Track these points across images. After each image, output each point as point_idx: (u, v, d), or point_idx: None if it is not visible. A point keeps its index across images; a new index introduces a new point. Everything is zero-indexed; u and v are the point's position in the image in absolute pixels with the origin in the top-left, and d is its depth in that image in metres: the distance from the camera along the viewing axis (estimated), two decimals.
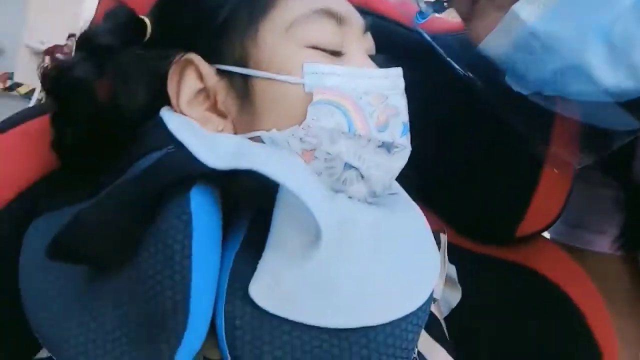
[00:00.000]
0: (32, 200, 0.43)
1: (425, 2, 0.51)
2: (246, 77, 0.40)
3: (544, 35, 0.40)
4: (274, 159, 0.37)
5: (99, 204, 0.34)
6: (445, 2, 0.50)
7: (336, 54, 0.41)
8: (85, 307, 0.34)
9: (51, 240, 0.33)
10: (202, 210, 0.34)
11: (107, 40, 0.40)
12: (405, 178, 0.58)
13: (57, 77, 0.40)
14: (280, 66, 0.39)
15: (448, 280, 0.51)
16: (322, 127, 0.38)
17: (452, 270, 0.52)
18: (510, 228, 0.55)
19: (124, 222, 0.33)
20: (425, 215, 0.51)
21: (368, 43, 0.45)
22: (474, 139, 0.58)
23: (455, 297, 0.52)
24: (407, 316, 0.35)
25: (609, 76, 0.40)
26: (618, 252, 0.61)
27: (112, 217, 0.33)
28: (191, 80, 0.41)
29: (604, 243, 0.63)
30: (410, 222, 0.43)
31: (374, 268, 0.36)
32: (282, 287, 0.33)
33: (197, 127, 0.39)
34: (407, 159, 0.42)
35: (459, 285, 0.52)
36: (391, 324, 0.34)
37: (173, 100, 0.41)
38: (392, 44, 0.63)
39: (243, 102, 0.40)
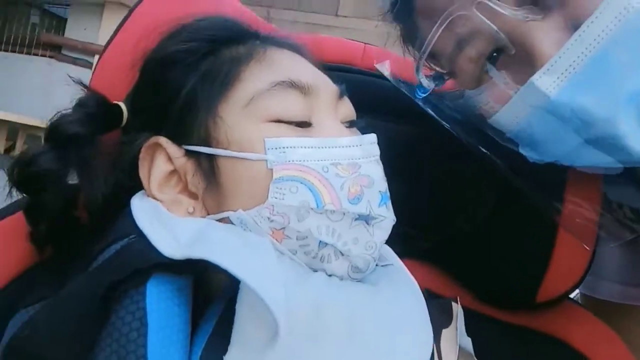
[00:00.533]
0: (13, 296, 0.43)
1: (426, 76, 0.51)
2: (212, 157, 0.40)
3: (569, 108, 0.38)
4: (234, 246, 0.35)
5: (51, 306, 0.33)
6: (446, 75, 0.50)
7: (304, 125, 0.41)
8: None
9: (4, 345, 0.32)
10: (161, 304, 0.33)
11: (75, 129, 0.41)
12: (414, 241, 0.56)
13: (22, 170, 0.40)
14: (242, 144, 0.39)
15: (463, 354, 0.47)
16: (287, 205, 0.37)
17: (468, 343, 0.49)
18: (529, 293, 0.51)
19: (76, 325, 0.32)
20: (440, 279, 0.48)
21: (344, 109, 0.45)
22: (482, 200, 0.55)
23: None
24: None
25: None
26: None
27: (63, 319, 0.32)
28: (161, 163, 0.41)
29: (616, 292, 0.61)
30: (397, 299, 0.40)
31: (347, 354, 0.34)
32: None
33: (165, 212, 0.39)
34: (389, 230, 0.40)
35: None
36: None
37: (144, 185, 0.41)
38: (391, 101, 0.64)
39: (210, 182, 0.40)
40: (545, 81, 0.38)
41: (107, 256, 0.36)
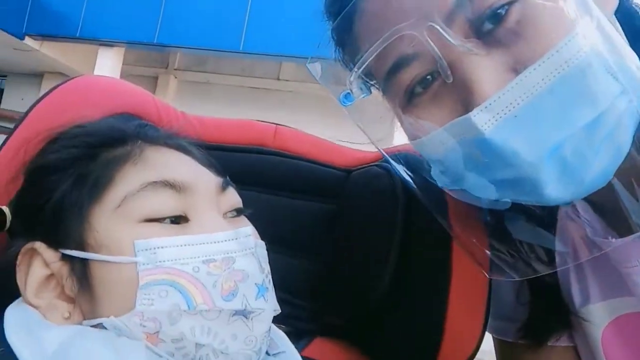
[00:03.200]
0: None
1: (355, 84, 0.50)
2: (85, 261, 0.39)
3: (500, 148, 0.39)
4: (102, 357, 0.34)
5: None
6: (373, 86, 0.49)
7: (179, 220, 0.40)
8: None
9: None
10: None
11: None
12: (326, 320, 0.56)
13: None
14: (112, 247, 0.38)
15: None
16: (157, 310, 0.36)
17: None
18: None
19: None
20: (352, 356, 0.48)
21: (228, 200, 0.45)
22: (382, 267, 0.56)
23: None
24: None
25: (558, 190, 0.40)
26: (522, 340, 0.61)
27: None
28: (37, 268, 0.40)
29: (509, 331, 0.62)
30: None
31: None
32: None
33: (37, 320, 0.38)
34: (269, 321, 0.40)
35: None
36: None
37: (21, 291, 0.39)
38: (308, 180, 0.65)
39: (83, 286, 0.39)
40: (482, 118, 0.38)
41: None
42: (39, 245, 0.40)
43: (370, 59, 0.45)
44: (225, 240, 0.40)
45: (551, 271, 0.48)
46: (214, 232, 0.40)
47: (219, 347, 0.37)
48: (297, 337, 0.60)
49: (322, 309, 0.60)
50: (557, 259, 0.49)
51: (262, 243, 0.46)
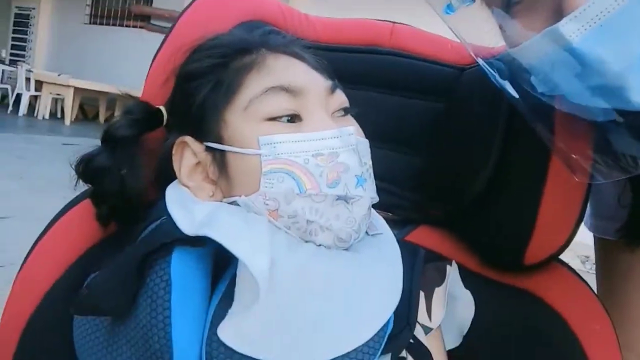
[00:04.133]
0: (87, 263, 0.54)
1: None
2: (223, 152, 0.48)
3: (588, 57, 0.40)
4: (234, 225, 0.44)
5: (105, 271, 0.44)
6: None
7: (295, 119, 0.47)
8: (108, 352, 0.44)
9: (73, 301, 0.43)
10: (184, 270, 0.43)
11: (122, 133, 0.50)
12: (428, 209, 0.62)
13: (84, 166, 0.50)
14: (242, 141, 0.47)
15: (455, 302, 0.54)
16: (276, 192, 0.44)
17: (466, 294, 0.55)
18: (517, 256, 0.56)
19: (122, 284, 0.42)
20: (451, 243, 0.55)
21: (335, 101, 0.51)
22: (482, 166, 0.59)
23: (465, 322, 0.54)
24: (358, 347, 0.41)
25: None
26: (621, 239, 0.64)
27: (112, 280, 0.43)
28: (188, 157, 0.50)
29: (609, 230, 0.65)
30: (371, 264, 0.47)
31: (325, 308, 0.42)
32: (243, 330, 0.41)
33: (189, 197, 0.48)
34: (368, 206, 0.46)
35: (471, 309, 0.55)
36: (346, 355, 0.39)
37: (177, 174, 0.50)
38: (420, 79, 0.68)
39: (222, 172, 0.48)
40: (570, 28, 0.39)
41: (145, 233, 0.46)
42: (188, 139, 0.50)
43: None
44: (331, 138, 0.46)
45: None
46: (322, 130, 0.47)
47: (325, 224, 0.45)
48: (403, 224, 0.67)
49: (425, 201, 0.65)
50: None
51: (365, 140, 0.51)
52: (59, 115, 8.89)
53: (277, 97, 0.47)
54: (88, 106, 9.33)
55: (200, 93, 0.49)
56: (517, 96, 0.52)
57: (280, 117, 0.47)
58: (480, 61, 0.52)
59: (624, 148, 0.49)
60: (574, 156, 0.50)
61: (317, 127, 0.47)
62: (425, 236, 0.64)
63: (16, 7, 11.54)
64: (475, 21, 0.52)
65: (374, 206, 0.68)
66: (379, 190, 0.69)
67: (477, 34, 0.54)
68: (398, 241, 0.57)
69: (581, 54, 0.40)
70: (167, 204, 0.47)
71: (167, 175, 0.51)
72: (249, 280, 0.41)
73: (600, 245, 0.68)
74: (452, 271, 0.55)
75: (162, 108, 0.54)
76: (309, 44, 0.67)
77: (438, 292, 0.53)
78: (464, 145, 0.60)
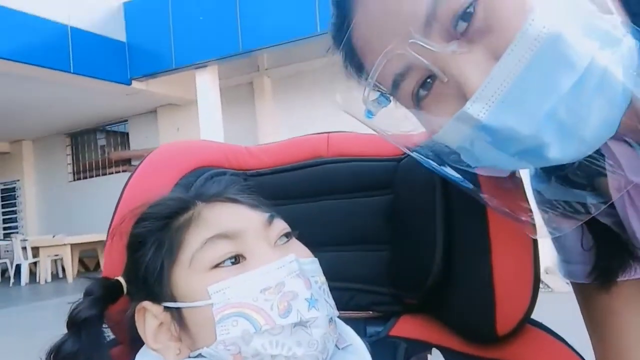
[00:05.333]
0: None
1: (372, 101, 0.56)
2: (179, 309, 0.50)
3: (500, 129, 0.44)
4: None
5: None
6: (389, 95, 0.55)
7: (239, 259, 0.50)
8: None
9: None
10: None
11: (85, 315, 0.52)
12: (403, 299, 0.64)
13: (54, 357, 0.51)
14: (194, 295, 0.49)
15: None
16: (233, 337, 0.46)
17: None
18: (489, 329, 0.57)
19: None
20: (433, 327, 0.56)
21: (275, 230, 0.54)
22: (431, 260, 0.62)
23: None
24: None
25: (563, 152, 0.44)
26: (594, 281, 0.64)
27: None
28: (149, 321, 0.52)
29: (580, 274, 0.66)
30: None
31: None
32: None
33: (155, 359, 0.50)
34: (326, 325, 0.48)
35: None
36: None
37: (144, 339, 0.52)
38: (363, 178, 0.72)
39: (182, 328, 0.50)
40: (476, 108, 0.43)
41: None
42: (146, 303, 0.52)
43: (374, 79, 0.51)
44: (275, 269, 0.49)
45: (592, 215, 0.51)
46: (266, 265, 0.49)
47: (288, 354, 0.47)
48: (385, 319, 0.68)
49: (401, 291, 0.67)
50: (593, 202, 0.51)
51: (312, 259, 0.54)
52: (60, 275, 8.88)
53: (217, 245, 0.50)
54: (87, 258, 9.37)
55: (147, 258, 0.52)
56: (457, 176, 0.55)
57: (223, 262, 0.50)
58: (413, 153, 0.55)
59: (559, 196, 0.53)
60: (521, 217, 0.53)
61: (261, 261, 0.50)
62: (408, 326, 0.65)
63: (1, 183, 11.92)
64: (396, 118, 0.57)
65: (356, 309, 0.69)
66: (355, 292, 0.70)
67: (401, 127, 0.59)
68: (379, 339, 0.57)
69: (493, 128, 0.44)
70: None
71: (140, 340, 0.53)
72: None
73: (578, 290, 0.68)
74: (435, 358, 0.56)
75: (121, 278, 0.57)
76: (254, 173, 0.72)
77: None
78: (413, 230, 0.63)
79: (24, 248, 8.71)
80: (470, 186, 0.54)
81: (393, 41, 0.47)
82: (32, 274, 8.83)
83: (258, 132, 8.94)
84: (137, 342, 0.53)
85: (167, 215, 0.54)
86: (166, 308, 0.51)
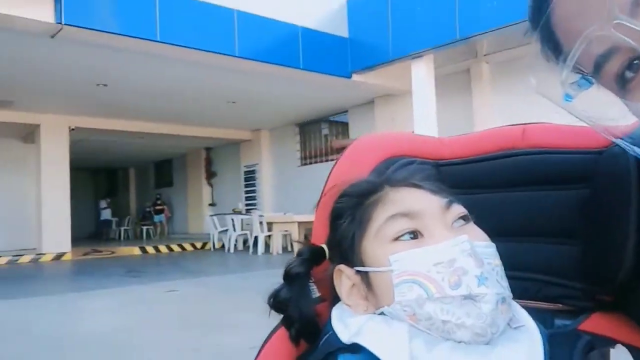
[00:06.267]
0: None
1: (571, 84, 0.54)
2: (367, 273, 0.58)
3: None
4: (380, 333, 0.53)
5: None
6: (591, 77, 0.52)
7: (417, 235, 0.56)
8: None
9: None
10: None
11: (296, 271, 0.65)
12: (597, 295, 0.64)
13: (272, 301, 0.65)
14: (378, 262, 0.57)
15: None
16: (408, 299, 0.53)
17: None
18: None
19: None
20: (628, 326, 0.56)
21: (452, 214, 0.59)
22: (626, 242, 0.59)
23: None
24: None
25: None
26: None
27: None
28: (344, 281, 0.62)
29: None
30: (512, 354, 0.52)
31: None
32: None
33: (347, 313, 0.59)
34: (494, 301, 0.51)
35: None
36: None
37: (340, 296, 0.62)
38: (559, 170, 0.72)
39: (369, 289, 0.59)
40: None
41: (318, 345, 0.58)
42: (342, 267, 0.62)
43: (573, 61, 0.49)
44: (448, 247, 0.54)
45: None
46: (439, 243, 0.55)
47: (457, 322, 0.51)
48: (575, 314, 0.66)
49: (590, 287, 0.65)
50: None
51: (487, 243, 0.57)
52: (289, 249, 10.06)
53: (398, 221, 0.58)
54: (311, 236, 10.41)
55: (342, 229, 0.62)
56: None
57: (402, 235, 0.57)
58: (619, 141, 0.53)
59: None
60: None
61: (436, 239, 0.56)
62: (598, 323, 0.63)
63: (244, 166, 13.98)
64: (598, 103, 0.55)
65: (544, 300, 0.69)
66: (543, 283, 0.71)
67: (604, 114, 0.56)
68: (560, 332, 0.58)
69: None
70: (332, 321, 0.59)
71: (337, 297, 0.64)
72: None
73: None
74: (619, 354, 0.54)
75: (324, 246, 0.68)
76: (445, 162, 0.77)
77: None
78: (607, 229, 0.60)
79: (261, 223, 10.12)
80: None
81: (596, 22, 0.46)
82: (267, 246, 10.19)
83: (475, 120, 8.69)
84: (335, 299, 0.64)
85: (360, 194, 0.63)
86: (357, 271, 0.61)
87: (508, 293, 0.55)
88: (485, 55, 8.61)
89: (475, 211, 0.62)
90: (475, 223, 0.61)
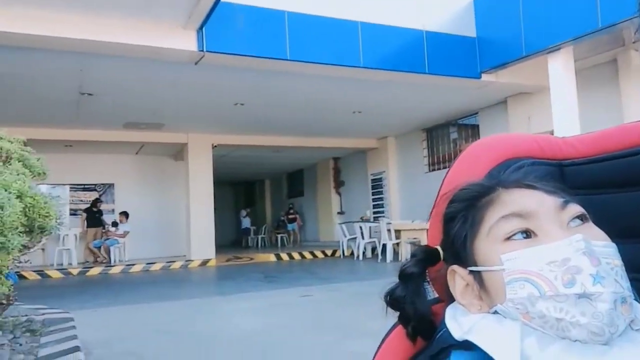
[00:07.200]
0: None
1: None
2: (479, 272, 0.59)
3: None
4: (492, 331, 0.53)
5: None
6: None
7: (530, 235, 0.55)
8: None
9: None
10: None
11: (410, 271, 0.68)
12: None
13: (388, 299, 0.68)
14: (490, 261, 0.57)
15: None
16: (520, 297, 0.53)
17: None
18: None
19: None
20: None
21: (568, 213, 0.57)
22: None
23: None
24: None
25: None
26: None
27: None
28: (458, 281, 0.63)
29: None
30: (631, 357, 0.49)
31: None
32: None
33: (460, 312, 0.60)
34: (611, 301, 0.49)
35: None
36: None
37: (454, 296, 0.63)
38: None
39: (482, 288, 0.59)
40: None
41: (433, 341, 0.60)
42: (456, 267, 0.63)
43: None
44: (563, 246, 0.53)
45: None
46: (552, 242, 0.53)
47: (572, 320, 0.50)
48: None
49: None
50: None
51: (606, 243, 0.54)
52: None
53: (510, 221, 0.57)
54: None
55: (454, 230, 0.63)
56: None
57: (514, 235, 0.56)
58: None
59: None
60: None
61: (550, 239, 0.55)
62: None
63: (371, 174, 14.11)
64: None
65: None
66: None
67: None
68: None
69: None
70: (445, 319, 0.61)
71: (452, 297, 0.65)
72: None
73: None
74: None
75: (439, 247, 0.70)
76: (569, 162, 0.74)
77: None
78: None
79: (389, 230, 10.11)
80: None
81: None
82: (395, 253, 10.16)
83: (623, 113, 7.86)
84: (451, 299, 0.65)
85: (471, 197, 0.64)
86: (470, 271, 0.62)
87: (629, 293, 0.52)
88: (634, 42, 7.76)
89: (602, 211, 0.60)
90: (598, 223, 0.58)
